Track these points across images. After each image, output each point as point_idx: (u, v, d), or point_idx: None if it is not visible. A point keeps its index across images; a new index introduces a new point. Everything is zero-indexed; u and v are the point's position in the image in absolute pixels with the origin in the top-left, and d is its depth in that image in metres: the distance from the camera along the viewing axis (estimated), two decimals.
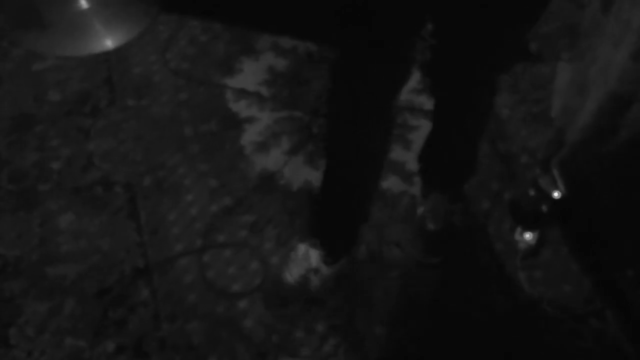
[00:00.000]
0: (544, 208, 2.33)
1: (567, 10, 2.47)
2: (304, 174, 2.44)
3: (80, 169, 2.45)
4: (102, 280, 2.22)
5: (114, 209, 2.37)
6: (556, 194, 2.33)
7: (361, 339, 2.15)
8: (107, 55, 2.56)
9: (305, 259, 2.18)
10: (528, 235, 2.33)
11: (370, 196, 2.33)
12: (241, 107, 2.57)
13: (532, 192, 2.35)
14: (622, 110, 2.17)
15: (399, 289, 2.24)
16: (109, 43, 2.52)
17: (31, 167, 2.45)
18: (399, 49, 1.77)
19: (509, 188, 2.43)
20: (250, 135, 2.52)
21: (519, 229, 2.35)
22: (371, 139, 2.01)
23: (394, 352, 2.15)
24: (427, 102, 2.52)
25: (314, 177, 2.41)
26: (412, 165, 2.39)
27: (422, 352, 2.13)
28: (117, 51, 2.57)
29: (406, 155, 2.48)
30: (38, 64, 2.61)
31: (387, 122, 2.04)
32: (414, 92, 2.55)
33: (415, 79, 2.54)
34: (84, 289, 2.20)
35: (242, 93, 2.59)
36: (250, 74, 2.63)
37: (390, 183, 2.43)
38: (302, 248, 2.20)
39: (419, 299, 2.22)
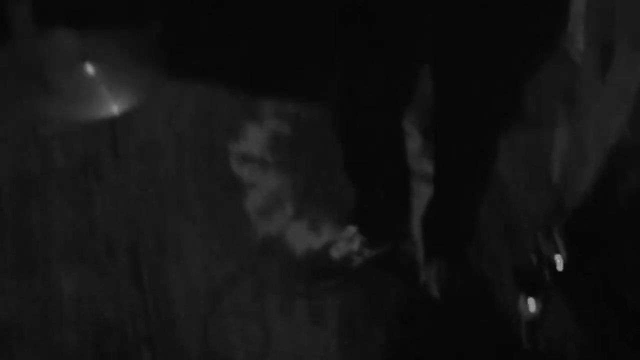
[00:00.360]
0: (547, 274, 2.33)
1: (563, 73, 2.50)
2: (307, 240, 2.44)
3: (84, 232, 2.44)
4: (105, 345, 2.21)
5: (117, 273, 2.37)
6: (558, 260, 2.33)
7: (361, 339, 2.19)
8: (112, 119, 2.58)
9: (352, 241, 2.26)
10: (531, 303, 2.33)
11: (404, 191, 2.34)
12: (245, 173, 2.58)
13: (534, 259, 2.35)
14: (620, 176, 2.18)
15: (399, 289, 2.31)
16: (114, 108, 2.54)
17: (35, 229, 2.43)
18: (400, 50, 1.77)
19: (510, 253, 2.43)
20: (253, 201, 2.52)
21: (522, 297, 2.34)
22: (376, 140, 2.03)
23: (394, 352, 2.16)
24: (428, 167, 2.52)
25: (317, 242, 2.41)
26: (415, 231, 2.40)
27: (422, 352, 2.16)
28: (121, 116, 2.59)
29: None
30: (44, 128, 2.62)
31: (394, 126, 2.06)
32: (415, 157, 2.56)
33: (416, 144, 2.56)
34: (87, 355, 2.20)
35: (245, 158, 2.60)
36: (254, 140, 2.64)
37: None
38: (350, 230, 2.26)
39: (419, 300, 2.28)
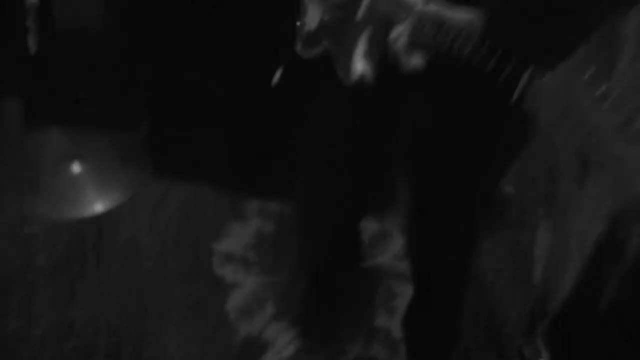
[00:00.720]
0: None
1: (544, 179, 2.59)
2: (288, 340, 2.41)
3: (62, 336, 2.40)
4: None
5: None
6: None
7: None
8: (97, 218, 2.60)
9: (284, 349, 2.22)
10: None
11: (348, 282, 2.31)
12: (227, 272, 2.59)
13: None
14: (600, 283, 2.22)
15: None
16: (99, 207, 2.57)
17: (12, 332, 2.39)
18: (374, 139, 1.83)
19: (494, 356, 2.43)
20: (235, 301, 2.52)
21: None
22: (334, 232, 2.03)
23: None
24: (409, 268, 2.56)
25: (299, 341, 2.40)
26: (397, 332, 2.39)
27: None
28: (107, 214, 2.61)
29: (391, 322, 2.48)
30: (28, 227, 2.63)
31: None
32: (397, 257, 2.60)
33: (398, 244, 2.60)
34: None
35: (228, 258, 2.62)
36: (237, 239, 2.67)
37: (375, 351, 2.42)
38: (282, 338, 2.24)
39: None
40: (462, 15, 1.43)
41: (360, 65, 1.55)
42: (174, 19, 2.71)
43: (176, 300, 2.51)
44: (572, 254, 2.31)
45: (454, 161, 1.71)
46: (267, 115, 2.68)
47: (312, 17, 1.61)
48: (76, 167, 2.58)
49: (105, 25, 2.71)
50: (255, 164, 2.77)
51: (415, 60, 1.46)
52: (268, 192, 2.73)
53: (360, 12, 1.54)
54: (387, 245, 2.64)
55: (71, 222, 2.60)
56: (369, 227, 2.68)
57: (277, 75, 1.72)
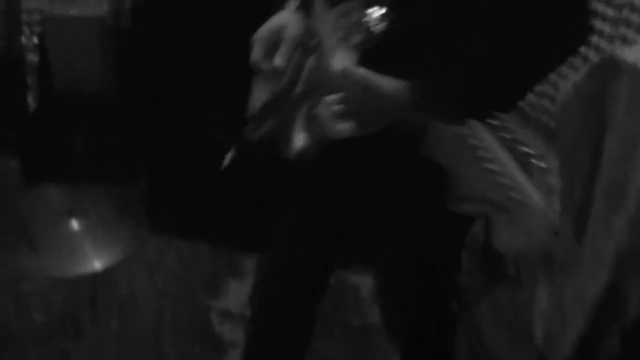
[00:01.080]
0: None
1: (542, 237, 2.60)
2: None
3: None
4: None
5: None
6: None
7: None
8: (93, 275, 2.58)
9: None
10: None
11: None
12: (225, 330, 2.57)
13: None
14: (601, 339, 2.23)
15: None
16: (96, 264, 2.54)
17: None
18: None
19: None
20: (233, 359, 2.49)
21: None
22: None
23: None
24: None
25: None
26: None
27: None
28: (103, 271, 2.59)
29: None
30: (25, 284, 2.61)
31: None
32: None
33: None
34: None
35: (227, 315, 2.61)
36: (235, 296, 2.66)
37: None
38: None
39: None
40: (387, 83, 1.47)
41: (299, 139, 1.58)
42: (173, 65, 2.71)
43: (174, 358, 2.48)
44: (572, 309, 2.32)
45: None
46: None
47: (258, 98, 1.64)
48: (73, 224, 2.57)
49: (103, 82, 2.72)
50: (252, 218, 2.76)
51: (342, 127, 1.50)
52: (265, 248, 2.73)
53: (299, 87, 1.56)
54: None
55: (68, 279, 2.58)
56: (366, 283, 2.68)
57: (228, 158, 1.71)
